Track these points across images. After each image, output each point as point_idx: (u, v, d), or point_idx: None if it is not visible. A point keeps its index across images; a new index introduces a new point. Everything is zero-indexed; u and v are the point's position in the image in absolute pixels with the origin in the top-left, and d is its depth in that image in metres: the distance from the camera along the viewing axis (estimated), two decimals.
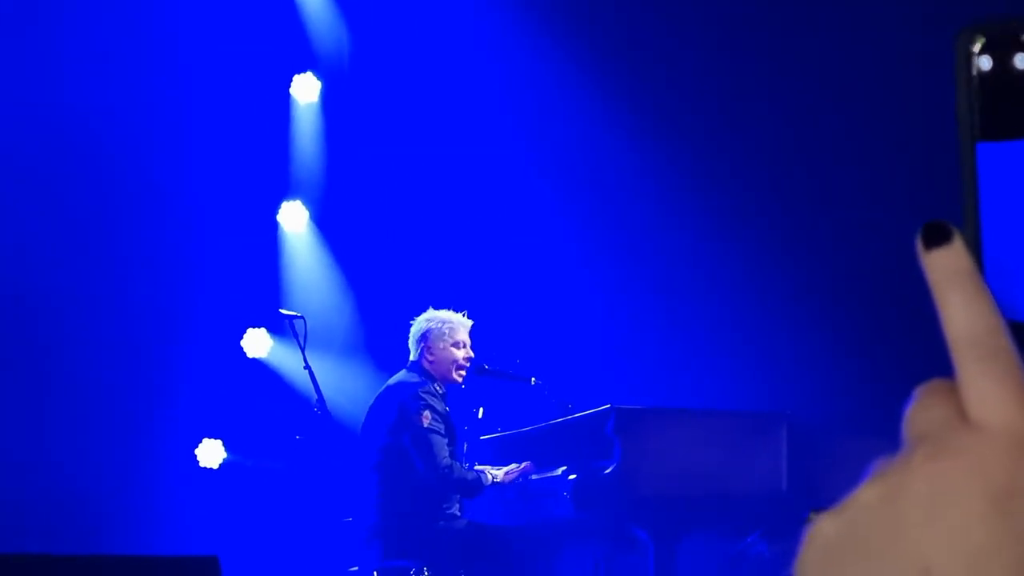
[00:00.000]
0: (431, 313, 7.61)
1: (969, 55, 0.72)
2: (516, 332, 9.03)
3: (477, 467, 7.56)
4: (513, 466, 7.59)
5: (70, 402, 8.93)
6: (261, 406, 9.36)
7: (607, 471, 7.06)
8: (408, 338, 7.62)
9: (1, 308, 8.91)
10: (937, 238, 0.68)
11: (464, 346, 7.54)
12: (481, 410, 8.05)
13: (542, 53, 9.42)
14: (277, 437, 9.05)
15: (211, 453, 9.26)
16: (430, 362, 7.49)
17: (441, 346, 7.50)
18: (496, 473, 7.52)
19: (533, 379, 7.84)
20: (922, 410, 0.67)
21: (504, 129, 9.58)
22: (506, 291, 9.34)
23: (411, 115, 9.67)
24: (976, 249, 0.71)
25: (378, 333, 9.22)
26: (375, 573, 7.07)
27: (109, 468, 8.94)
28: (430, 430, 7.25)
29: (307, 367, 7.79)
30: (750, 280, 8.41)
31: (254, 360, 9.48)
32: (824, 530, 0.67)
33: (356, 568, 7.30)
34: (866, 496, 0.66)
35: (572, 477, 7.16)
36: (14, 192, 9.01)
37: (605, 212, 9.31)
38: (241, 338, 9.48)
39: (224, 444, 9.30)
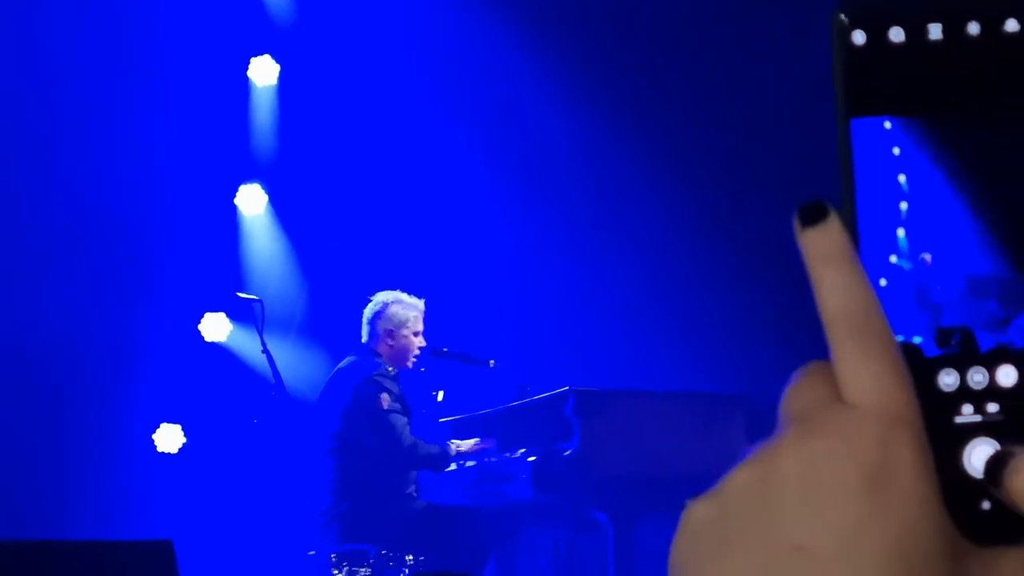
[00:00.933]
0: (391, 295, 7.56)
1: (843, 30, 0.71)
2: (474, 314, 9.02)
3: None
4: (476, 440, 7.60)
5: (27, 387, 8.87)
6: (219, 390, 9.32)
7: (566, 453, 7.06)
8: (362, 319, 7.59)
9: None
10: (813, 217, 0.67)
11: (421, 335, 7.54)
12: (441, 393, 8.03)
13: (498, 39, 9.40)
14: (235, 421, 9.02)
15: (169, 438, 9.23)
16: (390, 346, 7.46)
17: (403, 333, 7.48)
18: (459, 443, 7.52)
19: (492, 361, 7.84)
20: (797, 391, 0.67)
21: (459, 113, 9.57)
22: (464, 273, 9.33)
23: (368, 98, 9.63)
24: (852, 227, 0.70)
25: (336, 316, 9.19)
26: (333, 557, 7.05)
27: (66, 453, 8.90)
28: (390, 411, 7.23)
29: (265, 351, 7.77)
30: (709, 261, 8.42)
31: (212, 344, 9.44)
32: (697, 515, 0.66)
33: (313, 552, 7.28)
34: (739, 479, 0.65)
35: (531, 459, 7.16)
36: None
37: (562, 194, 9.31)
38: (199, 322, 9.44)
39: (183, 429, 9.26)
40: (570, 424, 7.11)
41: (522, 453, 7.31)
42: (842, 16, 0.72)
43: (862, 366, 0.65)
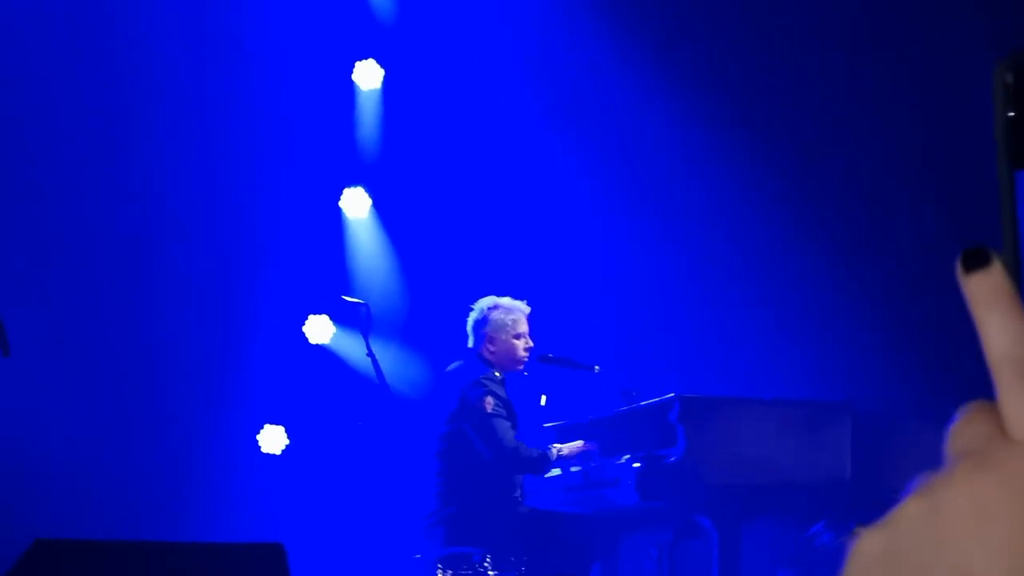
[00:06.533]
0: (491, 301, 7.59)
1: (1005, 85, 0.72)
2: (579, 319, 9.01)
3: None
4: (579, 443, 7.61)
5: (134, 389, 8.98)
6: (323, 392, 9.39)
7: (671, 460, 7.04)
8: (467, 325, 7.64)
9: (68, 301, 8.97)
10: (976, 262, 0.70)
11: (524, 336, 7.54)
12: (544, 398, 8.04)
13: (604, 44, 9.38)
14: (338, 423, 9.08)
15: (273, 439, 9.30)
16: (491, 352, 7.49)
17: (503, 337, 7.50)
18: (560, 447, 7.54)
19: (597, 367, 7.83)
20: (964, 427, 0.70)
21: (564, 116, 9.55)
22: (568, 277, 9.32)
23: (472, 102, 9.65)
24: (1016, 273, 0.72)
25: (440, 319, 9.22)
26: (438, 564, 7.08)
27: (172, 454, 8.99)
28: (494, 415, 7.27)
29: (370, 353, 7.81)
30: (817, 267, 8.35)
31: (316, 346, 9.50)
32: (868, 545, 0.69)
33: (419, 555, 7.31)
34: (910, 511, 0.68)
35: (636, 465, 7.14)
36: (76, 182, 9.07)
37: (669, 200, 9.27)
38: (303, 324, 9.51)
39: (286, 430, 9.34)
40: (675, 431, 7.09)
41: (627, 459, 7.30)
42: (1003, 73, 0.72)
43: None
